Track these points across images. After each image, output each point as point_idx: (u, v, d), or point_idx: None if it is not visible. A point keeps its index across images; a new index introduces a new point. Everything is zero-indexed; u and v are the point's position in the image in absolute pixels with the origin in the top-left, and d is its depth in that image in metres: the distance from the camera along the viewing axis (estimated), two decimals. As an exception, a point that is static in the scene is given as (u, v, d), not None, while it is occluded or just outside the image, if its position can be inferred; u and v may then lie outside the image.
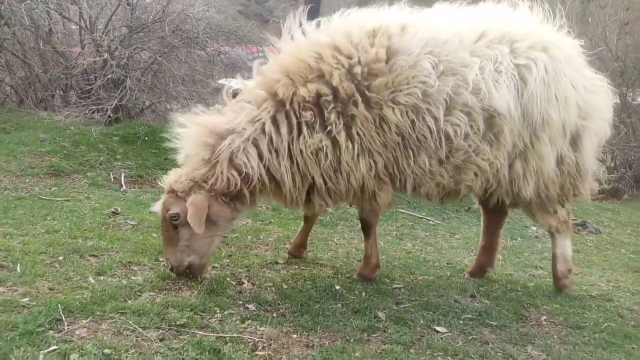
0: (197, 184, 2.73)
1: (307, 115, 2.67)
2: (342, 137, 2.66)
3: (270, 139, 2.70)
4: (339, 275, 3.34)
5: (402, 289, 3.15)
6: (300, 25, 2.84)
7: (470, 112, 2.71)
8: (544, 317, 2.96)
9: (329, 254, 4.01)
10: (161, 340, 2.18)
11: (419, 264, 3.83)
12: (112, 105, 6.49)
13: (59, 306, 2.25)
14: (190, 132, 2.81)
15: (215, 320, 2.44)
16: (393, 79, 2.65)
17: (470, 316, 2.81)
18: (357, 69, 2.66)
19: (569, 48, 3.08)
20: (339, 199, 2.95)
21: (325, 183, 2.77)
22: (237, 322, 2.45)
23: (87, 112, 6.60)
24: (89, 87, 6.99)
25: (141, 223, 3.94)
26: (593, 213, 7.04)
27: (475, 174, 2.85)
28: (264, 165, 2.71)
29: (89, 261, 2.99)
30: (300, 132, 2.69)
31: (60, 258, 2.93)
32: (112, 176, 5.35)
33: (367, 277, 3.26)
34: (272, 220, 4.72)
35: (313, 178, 2.76)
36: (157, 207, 2.86)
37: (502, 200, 3.10)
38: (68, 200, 4.34)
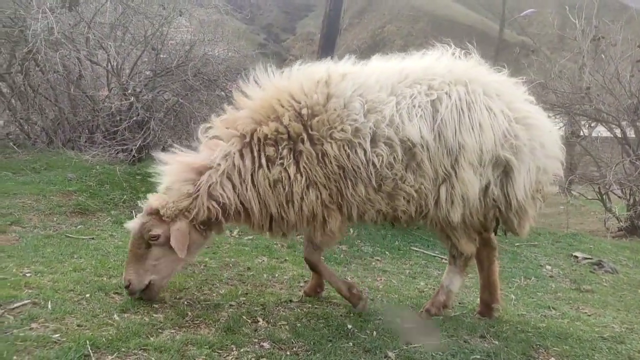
0: (182, 212, 3.07)
1: (270, 150, 3.04)
2: (292, 171, 3.00)
3: (239, 172, 3.06)
4: (352, 314, 3.43)
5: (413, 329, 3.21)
6: (267, 74, 3.24)
7: (392, 144, 3.01)
8: (552, 359, 2.99)
9: (342, 292, 4.10)
10: (181, 376, 2.30)
11: (430, 304, 3.88)
12: (136, 145, 6.81)
13: (87, 342, 2.40)
14: (172, 168, 3.15)
15: (231, 358, 2.56)
16: (328, 118, 3.02)
17: (478, 357, 2.86)
18: (304, 111, 3.05)
19: (495, 83, 3.24)
20: (292, 227, 3.21)
21: (278, 211, 3.09)
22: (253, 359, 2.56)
23: (112, 152, 6.92)
24: (115, 128, 7.35)
25: (162, 261, 4.10)
26: (610, 252, 6.98)
27: (407, 200, 3.11)
28: (237, 196, 3.06)
29: (114, 299, 3.16)
30: (261, 165, 3.04)
31: (87, 295, 3.10)
32: (134, 214, 5.56)
33: (358, 305, 3.45)
34: (287, 258, 4.84)
35: (270, 206, 3.08)
36: (132, 224, 3.15)
37: (435, 223, 3.25)
38: (93, 239, 4.55)
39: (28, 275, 3.33)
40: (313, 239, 3.28)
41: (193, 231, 3.10)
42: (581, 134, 11.58)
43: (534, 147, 3.14)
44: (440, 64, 3.25)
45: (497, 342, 3.11)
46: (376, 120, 3.00)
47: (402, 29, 35.40)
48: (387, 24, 36.01)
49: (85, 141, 7.97)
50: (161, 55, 8.31)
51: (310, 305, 3.56)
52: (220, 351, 2.60)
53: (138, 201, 3.18)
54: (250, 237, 5.26)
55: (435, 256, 5.68)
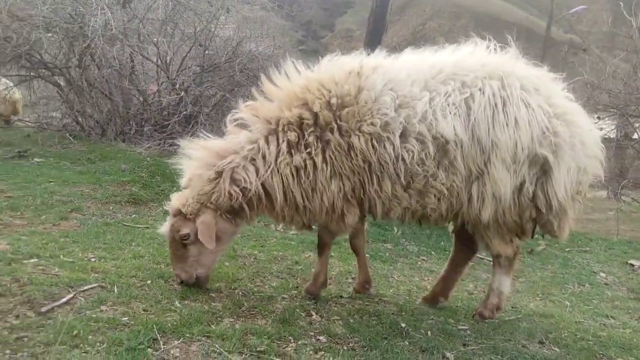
0: (204, 204, 3.06)
1: (292, 135, 3.00)
2: (319, 159, 2.96)
3: (264, 157, 3.03)
4: (403, 313, 3.40)
5: (468, 331, 3.16)
6: (296, 67, 3.22)
7: (423, 140, 2.94)
8: (619, 370, 2.88)
9: (391, 290, 4.08)
10: (244, 364, 2.35)
11: (482, 306, 3.80)
12: (181, 145, 6.99)
13: (155, 327, 2.49)
14: (196, 154, 3.14)
15: (290, 350, 2.59)
16: (358, 110, 2.97)
17: (540, 363, 2.78)
18: (334, 100, 3.00)
19: (533, 77, 3.10)
20: (313, 218, 3.18)
21: (303, 200, 3.05)
22: (311, 352, 2.59)
23: (164, 145, 7.13)
24: (165, 122, 7.56)
25: (214, 252, 4.20)
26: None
27: (438, 198, 3.04)
28: (260, 181, 3.03)
29: (172, 286, 3.25)
30: (285, 151, 3.01)
31: (149, 282, 3.21)
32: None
33: (314, 293, 3.48)
34: (333, 254, 4.85)
35: (294, 194, 3.03)
36: (164, 229, 3.18)
37: (467, 221, 3.19)
38: (148, 228, 4.71)
39: (93, 260, 3.48)
40: (328, 227, 3.27)
41: (220, 220, 3.09)
42: (635, 136, 11.07)
43: (574, 145, 3.01)
44: (473, 57, 3.15)
45: (557, 349, 3.02)
46: (407, 115, 2.93)
47: (443, 26, 34.72)
48: (428, 21, 35.41)
49: (134, 133, 8.25)
50: (207, 52, 8.49)
51: (360, 302, 3.56)
52: (279, 342, 2.64)
53: (163, 204, 3.25)
54: (295, 232, 5.31)
55: (482, 258, 5.56)
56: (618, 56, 12.37)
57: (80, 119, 8.49)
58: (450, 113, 2.94)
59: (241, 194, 3.03)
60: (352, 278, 4.21)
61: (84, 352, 2.20)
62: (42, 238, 3.80)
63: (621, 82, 10.39)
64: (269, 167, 3.01)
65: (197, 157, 3.13)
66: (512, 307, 3.94)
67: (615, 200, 10.98)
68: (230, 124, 3.25)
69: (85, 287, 2.88)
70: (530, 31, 31.16)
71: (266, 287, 3.65)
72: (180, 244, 3.11)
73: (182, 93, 7.40)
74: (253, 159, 3.05)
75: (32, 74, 8.54)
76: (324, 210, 3.09)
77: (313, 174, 2.98)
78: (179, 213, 3.10)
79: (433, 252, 5.69)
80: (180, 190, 3.26)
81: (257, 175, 3.02)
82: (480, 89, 2.97)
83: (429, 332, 3.05)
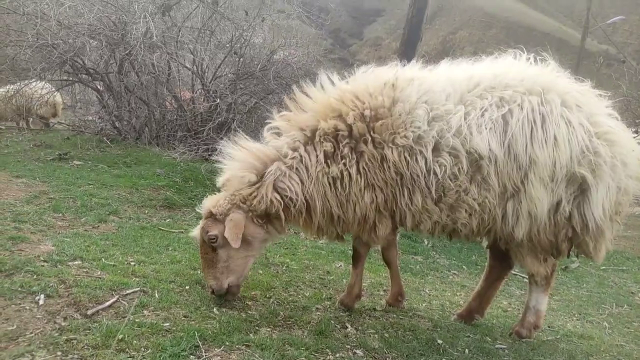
0: (236, 204, 3.06)
1: (328, 146, 3.02)
2: (353, 170, 2.97)
3: (307, 168, 3.04)
4: (439, 329, 3.37)
5: (506, 350, 3.10)
6: (331, 78, 3.24)
7: (457, 155, 2.91)
8: (668, 399, 2.77)
9: (424, 305, 4.04)
10: (283, 375, 2.37)
11: (518, 325, 3.72)
12: (220, 145, 7.11)
13: (196, 334, 2.53)
14: (239, 154, 3.15)
15: (328, 362, 2.59)
16: (392, 123, 2.97)
17: (583, 387, 2.71)
18: (367, 112, 3.01)
19: (576, 93, 3.03)
20: (346, 228, 3.19)
21: (339, 210, 3.06)
22: (349, 366, 2.59)
23: (198, 150, 7.26)
24: (201, 128, 7.69)
25: (248, 259, 4.24)
26: None
27: (469, 214, 3.00)
28: (303, 191, 3.04)
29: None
30: (322, 161, 3.02)
31: (187, 287, 3.27)
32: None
33: (348, 305, 3.47)
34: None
35: (330, 205, 3.05)
36: (195, 232, 3.17)
37: (499, 238, 3.14)
38: (182, 232, 4.79)
39: (132, 264, 3.56)
40: (361, 237, 3.27)
41: (252, 224, 3.07)
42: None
43: (615, 165, 2.94)
44: (513, 71, 3.10)
45: (600, 374, 2.93)
46: (440, 129, 2.91)
47: (474, 35, 34.35)
48: (459, 30, 35.09)
49: (168, 138, 8.42)
50: (240, 59, 8.62)
51: (395, 316, 3.54)
52: (317, 354, 2.65)
53: (196, 209, 3.27)
54: (325, 241, 5.31)
55: (515, 274, 5.45)
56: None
57: (117, 124, 8.73)
58: (486, 128, 2.90)
59: (282, 203, 3.04)
60: (384, 290, 4.18)
61: (130, 357, 2.25)
62: (84, 240, 3.92)
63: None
64: (311, 178, 3.03)
65: (239, 158, 3.15)
66: (549, 327, 3.85)
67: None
68: (266, 132, 3.27)
69: (127, 291, 2.95)
70: (563, 42, 30.49)
71: (300, 296, 3.66)
72: (210, 248, 3.09)
73: (217, 100, 7.53)
74: (297, 169, 3.07)
75: (73, 78, 8.84)
76: (357, 221, 3.10)
77: (348, 185, 3.00)
78: (210, 215, 3.12)
79: (464, 267, 5.61)
80: (216, 192, 3.30)
81: (301, 186, 3.04)
82: (519, 105, 2.94)
83: (466, 350, 3.01)
